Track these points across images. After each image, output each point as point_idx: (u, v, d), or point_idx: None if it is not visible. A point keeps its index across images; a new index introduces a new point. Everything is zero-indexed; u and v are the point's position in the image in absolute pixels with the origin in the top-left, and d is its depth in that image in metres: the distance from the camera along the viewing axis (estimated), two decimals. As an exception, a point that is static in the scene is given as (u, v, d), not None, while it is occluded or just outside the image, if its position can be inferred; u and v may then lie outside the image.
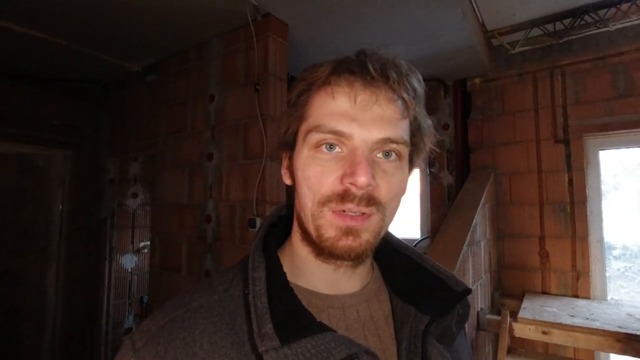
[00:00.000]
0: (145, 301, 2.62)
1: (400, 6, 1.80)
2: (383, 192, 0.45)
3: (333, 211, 0.44)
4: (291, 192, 0.53)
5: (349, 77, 0.45)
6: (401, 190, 0.48)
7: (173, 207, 2.21)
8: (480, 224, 2.16)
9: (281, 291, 0.45)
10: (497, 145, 2.61)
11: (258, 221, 1.75)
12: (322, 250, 0.46)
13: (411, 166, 0.51)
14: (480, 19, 2.28)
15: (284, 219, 0.57)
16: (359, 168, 0.42)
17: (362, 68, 0.45)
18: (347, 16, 1.88)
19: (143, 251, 2.90)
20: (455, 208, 2.18)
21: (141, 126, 2.53)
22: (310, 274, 0.50)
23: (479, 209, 2.09)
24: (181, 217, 2.15)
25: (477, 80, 2.70)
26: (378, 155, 0.45)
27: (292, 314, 0.42)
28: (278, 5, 1.80)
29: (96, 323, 2.69)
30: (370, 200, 0.43)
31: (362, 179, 0.42)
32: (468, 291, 0.52)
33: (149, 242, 2.79)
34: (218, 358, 0.40)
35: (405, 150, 0.47)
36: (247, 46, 1.93)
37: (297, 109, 0.49)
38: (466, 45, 2.21)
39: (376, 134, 0.44)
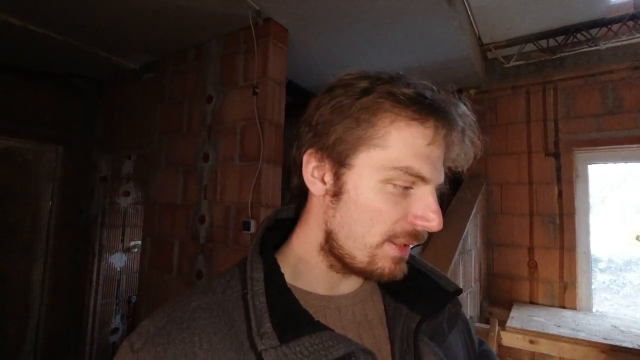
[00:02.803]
0: (133, 301, 2.58)
1: (399, 15, 1.83)
2: None
3: (395, 244, 0.46)
4: (297, 195, 0.53)
5: (436, 121, 0.45)
6: None
7: (166, 207, 2.19)
8: (471, 233, 2.19)
9: (279, 291, 0.45)
10: (489, 155, 2.66)
11: (252, 223, 1.75)
12: (355, 271, 0.48)
13: None
14: (476, 32, 2.33)
15: (280, 222, 0.57)
16: (437, 215, 0.44)
17: (446, 114, 0.45)
18: (347, 24, 1.91)
19: (133, 250, 2.86)
20: (448, 217, 2.20)
21: (136, 124, 2.51)
22: (312, 278, 0.51)
23: (470, 218, 2.12)
24: (174, 217, 2.13)
25: (471, 92, 2.75)
26: None
27: (291, 314, 0.43)
28: (279, 10, 1.81)
29: (82, 323, 2.64)
30: None
31: (437, 225, 0.44)
32: (459, 291, 0.54)
33: (139, 242, 2.75)
34: (217, 358, 0.41)
35: None
36: (247, 49, 1.93)
37: (362, 127, 0.45)
38: (462, 56, 2.25)
39: (442, 178, 0.47)
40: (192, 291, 0.49)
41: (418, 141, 0.44)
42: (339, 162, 0.46)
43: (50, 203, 2.67)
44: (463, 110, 0.47)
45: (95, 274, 2.66)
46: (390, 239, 0.45)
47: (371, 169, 0.45)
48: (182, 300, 0.47)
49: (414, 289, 0.53)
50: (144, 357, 0.41)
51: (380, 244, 0.45)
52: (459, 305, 0.54)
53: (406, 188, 0.45)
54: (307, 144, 0.48)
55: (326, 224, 0.48)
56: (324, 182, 0.48)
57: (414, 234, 0.45)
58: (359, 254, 0.46)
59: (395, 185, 0.44)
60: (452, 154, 0.48)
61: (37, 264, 2.63)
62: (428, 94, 0.46)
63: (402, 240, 0.45)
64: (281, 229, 0.56)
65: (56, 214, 2.67)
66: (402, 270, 0.47)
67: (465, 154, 0.48)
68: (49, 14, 1.90)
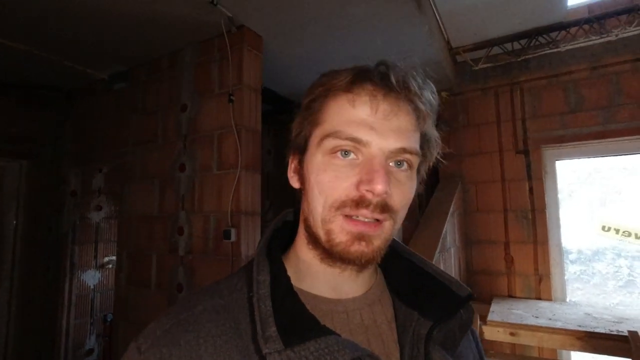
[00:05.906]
0: (109, 319, 2.47)
1: (372, 22, 1.87)
2: (396, 199, 0.45)
3: (345, 216, 0.45)
4: (298, 196, 0.52)
5: (370, 86, 0.46)
6: (410, 199, 0.49)
7: (142, 219, 2.12)
8: (450, 232, 2.24)
9: (285, 294, 0.45)
10: (463, 155, 2.74)
11: (233, 232, 1.72)
12: (332, 255, 0.46)
13: (418, 176, 0.52)
14: (445, 36, 2.41)
15: (288, 224, 0.57)
16: (377, 176, 0.43)
17: (384, 79, 0.46)
18: (321, 30, 1.93)
19: (107, 267, 2.75)
20: (426, 216, 2.25)
21: (107, 136, 2.43)
22: (314, 278, 0.50)
23: (448, 217, 2.17)
24: (151, 230, 2.07)
25: (444, 94, 2.83)
26: (391, 164, 0.46)
27: (296, 317, 0.42)
28: (252, 17, 1.81)
29: (54, 345, 2.50)
30: (385, 207, 0.44)
31: (379, 186, 0.42)
32: (471, 296, 0.52)
33: (114, 257, 2.65)
34: None
35: (416, 161, 0.48)
36: (221, 56, 1.92)
37: (311, 113, 0.49)
38: (433, 60, 2.32)
39: (393, 143, 0.45)
40: (199, 293, 0.49)
41: (349, 108, 0.46)
42: (301, 151, 0.50)
43: (15, 221, 2.53)
44: (414, 75, 0.48)
45: (67, 293, 2.54)
46: (339, 210, 0.44)
47: (315, 146, 0.47)
48: (189, 302, 0.47)
49: (426, 294, 0.52)
50: (150, 358, 0.41)
51: (331, 217, 0.45)
52: (471, 311, 0.52)
53: (347, 153, 0.45)
54: (289, 149, 0.53)
55: (303, 213, 0.50)
56: (297, 174, 0.52)
57: (360, 201, 0.43)
58: (320, 232, 0.46)
59: (338, 156, 0.45)
60: (406, 115, 0.46)
61: (3, 285, 2.48)
62: (369, 66, 0.48)
63: (350, 211, 0.44)
64: (290, 230, 0.56)
65: (22, 232, 2.53)
66: (363, 249, 0.44)
67: (421, 112, 0.47)
68: (9, 23, 1.81)
